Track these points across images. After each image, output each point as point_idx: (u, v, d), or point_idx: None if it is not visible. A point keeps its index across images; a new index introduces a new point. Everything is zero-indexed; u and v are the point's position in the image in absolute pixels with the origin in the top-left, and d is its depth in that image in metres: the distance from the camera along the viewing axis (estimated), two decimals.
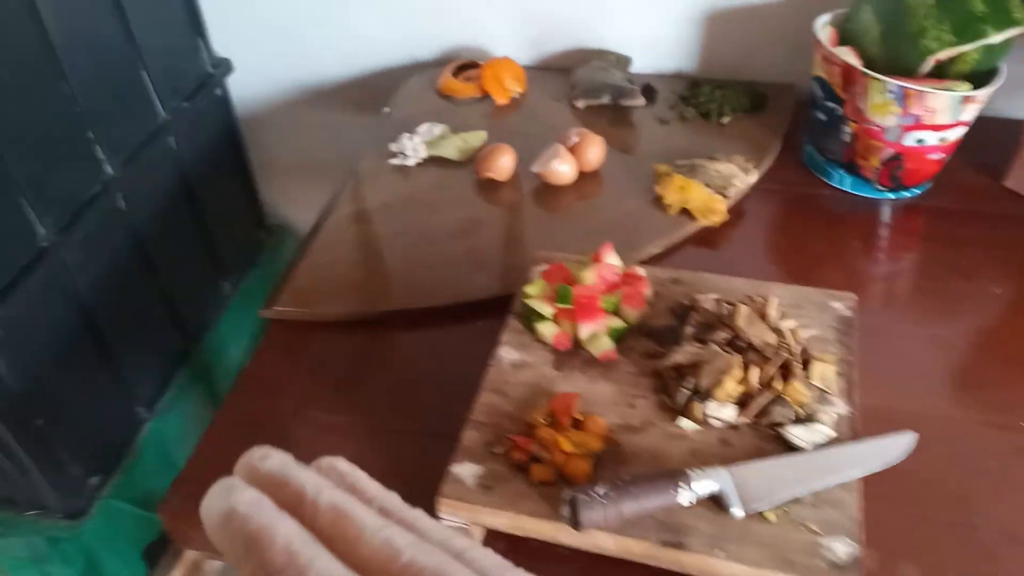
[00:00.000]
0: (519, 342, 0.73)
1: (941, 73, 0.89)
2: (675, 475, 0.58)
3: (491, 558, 0.25)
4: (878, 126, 0.91)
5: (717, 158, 1.00)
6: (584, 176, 1.01)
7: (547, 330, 0.72)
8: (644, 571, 0.60)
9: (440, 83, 1.20)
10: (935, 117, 0.87)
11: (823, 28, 0.96)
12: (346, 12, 1.30)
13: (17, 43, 0.95)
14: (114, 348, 1.14)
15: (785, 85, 1.16)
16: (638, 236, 0.92)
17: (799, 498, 0.59)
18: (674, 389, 0.66)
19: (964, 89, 0.86)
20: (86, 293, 1.08)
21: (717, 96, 1.11)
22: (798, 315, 0.72)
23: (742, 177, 0.97)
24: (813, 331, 0.71)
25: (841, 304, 0.74)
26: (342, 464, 0.28)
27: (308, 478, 0.26)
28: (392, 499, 0.27)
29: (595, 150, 1.00)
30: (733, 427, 0.64)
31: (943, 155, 0.94)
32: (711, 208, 0.93)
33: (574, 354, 0.72)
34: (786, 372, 0.65)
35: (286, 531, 0.24)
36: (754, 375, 0.63)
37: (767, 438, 0.64)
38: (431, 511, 0.61)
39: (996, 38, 0.86)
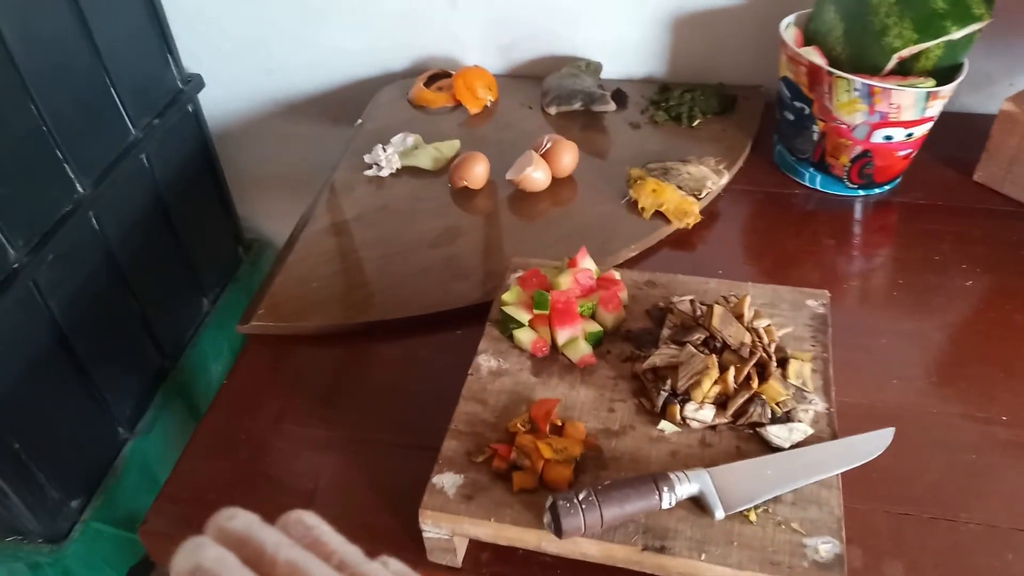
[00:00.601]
0: (497, 349, 0.73)
1: (905, 70, 0.91)
2: (656, 479, 0.58)
3: None
4: (846, 124, 0.92)
5: (689, 160, 1.01)
6: (558, 182, 1.02)
7: (525, 336, 0.72)
8: (628, 574, 0.60)
9: (412, 93, 1.20)
10: (901, 113, 0.89)
11: (788, 29, 0.97)
12: (316, 25, 1.30)
13: None
14: (91, 368, 1.13)
15: (753, 87, 1.17)
16: (613, 240, 0.93)
17: (780, 497, 0.59)
18: (652, 392, 0.66)
19: (928, 85, 0.88)
20: (60, 313, 1.07)
21: (687, 99, 1.12)
22: (773, 314, 0.73)
23: (714, 179, 0.98)
24: (788, 329, 0.71)
25: (815, 302, 0.75)
26: (308, 518, 0.31)
27: (270, 536, 0.29)
28: (352, 553, 0.30)
29: (568, 156, 1.01)
30: (712, 428, 0.65)
31: (911, 151, 0.95)
32: (685, 210, 0.94)
33: (552, 360, 0.72)
34: (762, 371, 0.65)
35: None
36: (731, 375, 0.64)
37: (746, 438, 0.64)
38: (414, 523, 0.61)
39: (957, 34, 0.87)
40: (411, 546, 0.65)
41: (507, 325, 0.74)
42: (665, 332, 0.71)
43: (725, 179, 1.00)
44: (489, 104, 1.18)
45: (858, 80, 0.87)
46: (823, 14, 0.94)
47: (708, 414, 0.64)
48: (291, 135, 1.44)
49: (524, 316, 0.73)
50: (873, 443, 0.63)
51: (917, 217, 0.97)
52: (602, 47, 1.23)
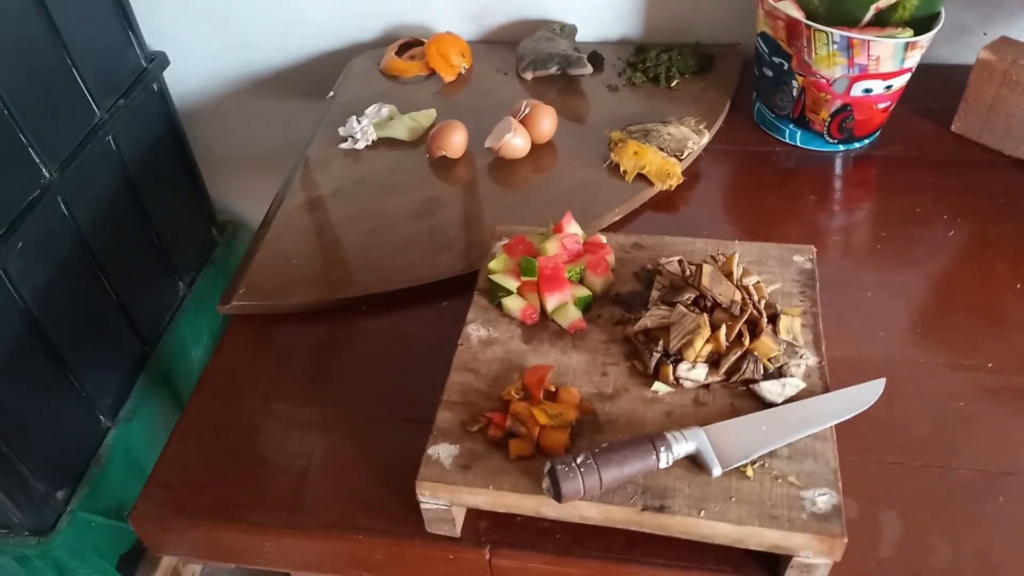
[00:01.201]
0: (486, 319, 0.72)
1: (882, 21, 0.90)
2: (653, 439, 0.58)
3: None
4: (825, 78, 0.91)
5: (669, 121, 1.00)
6: (538, 148, 1.01)
7: (513, 304, 0.71)
8: (628, 537, 0.61)
9: (384, 63, 1.17)
10: (880, 65, 0.88)
11: None
12: None
13: None
14: (68, 357, 1.11)
15: (731, 45, 1.16)
16: (597, 204, 0.92)
17: (775, 452, 0.59)
18: (645, 354, 0.66)
19: (907, 35, 0.87)
20: (33, 302, 1.04)
21: (664, 60, 1.11)
22: (761, 271, 0.73)
23: (695, 139, 0.97)
24: (777, 286, 0.71)
25: (802, 257, 0.75)
26: None
27: None
28: None
29: (547, 121, 0.99)
30: (706, 387, 0.65)
31: (890, 103, 0.95)
32: (667, 172, 0.93)
33: (542, 326, 0.71)
34: (753, 328, 0.65)
35: None
36: (722, 333, 0.64)
37: (740, 395, 0.64)
38: (411, 496, 0.61)
39: None
40: (409, 519, 0.65)
41: (495, 294, 0.73)
42: (655, 293, 0.70)
43: (706, 139, 0.99)
44: (464, 71, 1.16)
45: (837, 33, 0.86)
46: None
47: (701, 373, 0.64)
48: (262, 112, 1.41)
49: (512, 284, 0.72)
50: (865, 394, 0.64)
51: (897, 170, 0.97)
52: (575, 9, 1.21)
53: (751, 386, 0.63)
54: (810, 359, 0.66)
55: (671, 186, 0.94)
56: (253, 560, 0.73)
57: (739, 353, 0.64)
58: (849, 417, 0.62)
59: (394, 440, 0.72)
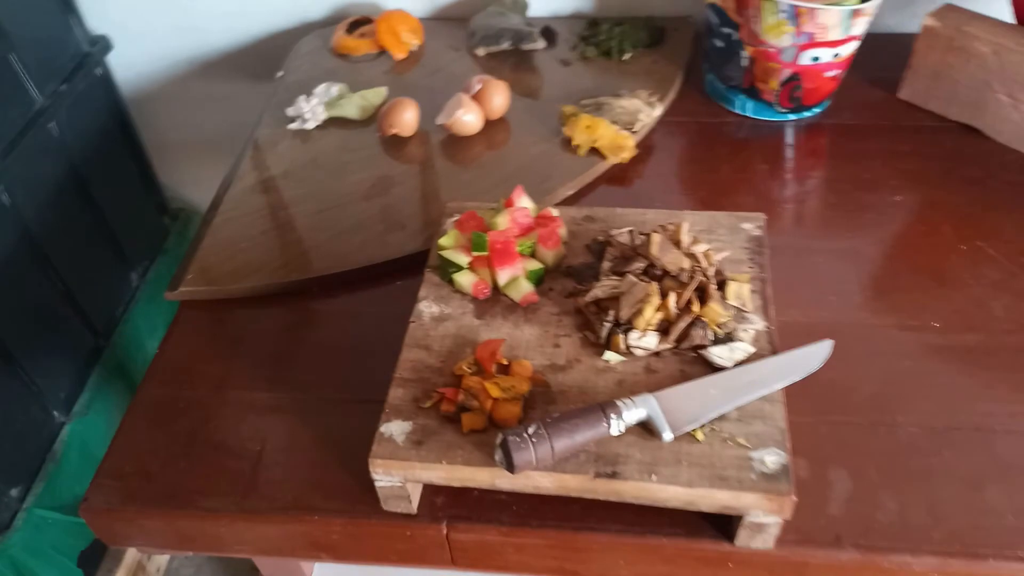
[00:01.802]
0: (438, 295, 0.72)
1: None
2: (604, 407, 0.58)
3: None
4: (774, 47, 0.91)
5: (622, 95, 1.00)
6: (491, 124, 1.00)
7: (465, 280, 0.71)
8: (584, 505, 0.61)
9: (334, 42, 1.16)
10: (827, 33, 0.89)
11: None
12: None
13: None
14: (17, 351, 1.08)
15: (682, 17, 1.16)
16: (551, 179, 0.92)
17: (725, 415, 0.60)
18: (596, 324, 0.66)
19: (853, 3, 0.88)
20: None
21: (616, 33, 1.11)
22: (711, 239, 0.73)
23: (647, 111, 0.97)
24: (726, 253, 0.71)
25: (751, 225, 0.75)
26: None
27: None
28: None
29: (499, 97, 0.99)
30: (657, 354, 0.65)
31: (838, 71, 0.95)
32: (620, 145, 0.93)
33: (495, 301, 0.71)
34: (702, 295, 0.65)
35: None
36: (672, 301, 0.64)
37: (690, 361, 0.64)
38: (366, 475, 0.60)
39: None
40: (365, 498, 0.64)
41: (446, 270, 0.72)
42: (606, 265, 0.70)
43: (658, 111, 0.99)
44: (415, 49, 1.14)
45: (784, 2, 0.87)
46: None
47: (651, 341, 0.64)
48: (211, 95, 1.38)
49: (463, 259, 0.71)
50: (813, 356, 0.64)
51: (846, 137, 0.98)
52: None
53: (701, 352, 0.64)
54: (759, 324, 0.66)
55: (624, 159, 0.94)
56: (210, 547, 0.72)
57: (688, 320, 0.64)
58: (797, 379, 0.63)
59: (349, 421, 0.71)
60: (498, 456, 0.57)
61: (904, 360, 0.73)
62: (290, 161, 0.98)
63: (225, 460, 0.70)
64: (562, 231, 0.74)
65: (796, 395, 0.63)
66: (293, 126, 1.02)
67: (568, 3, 1.21)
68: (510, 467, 0.56)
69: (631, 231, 0.71)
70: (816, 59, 0.91)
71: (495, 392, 0.61)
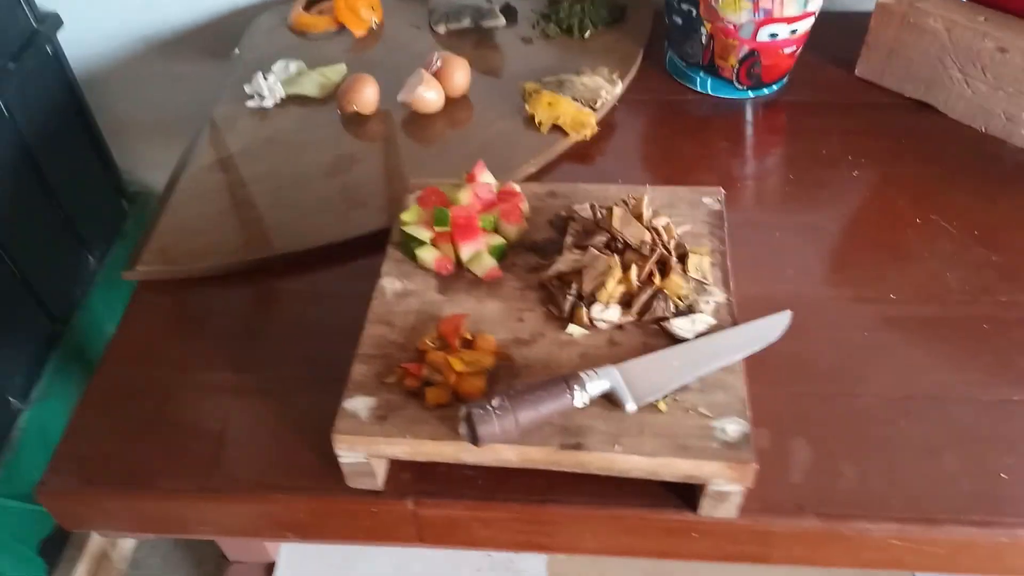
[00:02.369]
0: (401, 271, 0.71)
1: None
2: (567, 379, 0.58)
3: None
4: (732, 24, 0.92)
5: (583, 72, 1.00)
6: (453, 102, 0.99)
7: (428, 255, 0.71)
8: (549, 478, 0.61)
9: (292, 18, 1.14)
10: (784, 9, 0.89)
11: None
12: None
13: None
14: None
15: None
16: (513, 157, 0.92)
17: (687, 386, 0.61)
18: (559, 298, 0.66)
19: None
20: None
21: (577, 11, 1.10)
22: (672, 214, 0.73)
23: (609, 88, 0.98)
24: (687, 227, 0.72)
25: (711, 199, 0.76)
26: None
27: None
28: None
29: (460, 74, 0.98)
30: (619, 327, 0.65)
31: (795, 48, 0.96)
32: (581, 122, 0.93)
33: (458, 276, 0.71)
34: (664, 267, 0.66)
35: None
36: (633, 273, 0.64)
37: (653, 333, 0.65)
38: (331, 452, 0.60)
39: None
40: (330, 476, 0.64)
41: (409, 245, 0.72)
42: (568, 239, 0.71)
43: (619, 88, 0.99)
44: (375, 26, 1.13)
45: None
46: None
47: (614, 313, 0.65)
48: (167, 75, 1.35)
49: (425, 234, 0.71)
50: (772, 327, 0.66)
51: (805, 115, 0.99)
52: None
53: (663, 324, 0.65)
54: (719, 296, 0.67)
55: (586, 136, 0.94)
56: (173, 529, 0.72)
57: (650, 292, 0.64)
58: (758, 349, 0.64)
59: (313, 399, 0.70)
60: (463, 429, 0.57)
61: (862, 332, 0.74)
62: (248, 139, 0.96)
63: (186, 441, 0.69)
64: (524, 206, 0.74)
65: (757, 367, 0.64)
66: (251, 104, 1.00)
67: None
68: (475, 440, 0.56)
69: (593, 205, 0.71)
70: (774, 35, 0.92)
71: (459, 366, 0.61)
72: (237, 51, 1.11)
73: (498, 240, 0.72)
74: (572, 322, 0.65)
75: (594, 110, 0.95)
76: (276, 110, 1.00)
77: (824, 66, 1.06)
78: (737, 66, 0.97)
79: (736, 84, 0.99)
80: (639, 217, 0.68)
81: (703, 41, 0.96)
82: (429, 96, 0.96)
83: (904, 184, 0.88)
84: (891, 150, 0.93)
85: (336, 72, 1.03)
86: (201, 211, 0.87)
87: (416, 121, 0.98)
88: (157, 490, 0.66)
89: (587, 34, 1.09)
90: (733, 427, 0.58)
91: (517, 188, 0.75)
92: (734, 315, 0.66)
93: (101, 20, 1.30)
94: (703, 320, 0.64)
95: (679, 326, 0.64)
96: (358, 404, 0.61)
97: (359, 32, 1.12)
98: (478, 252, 0.70)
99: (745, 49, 0.94)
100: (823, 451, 0.65)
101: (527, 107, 0.96)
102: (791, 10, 0.90)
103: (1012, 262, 0.79)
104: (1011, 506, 0.61)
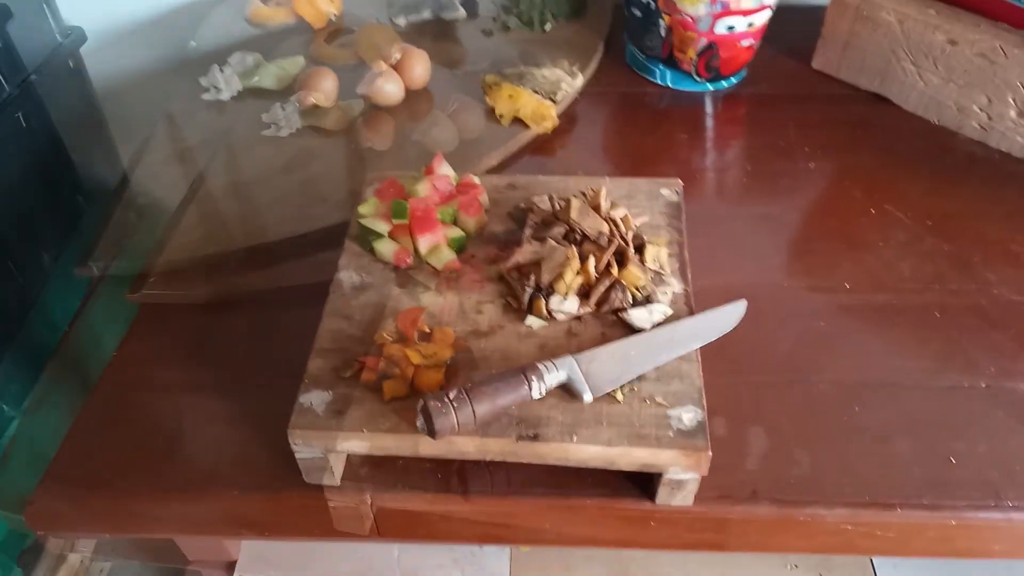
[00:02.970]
0: (359, 264, 0.71)
1: None
2: (525, 370, 0.58)
3: None
4: (690, 16, 0.93)
5: (543, 65, 1.00)
6: (413, 94, 0.99)
7: (385, 248, 0.70)
8: (508, 470, 0.61)
9: (249, 11, 1.12)
10: (741, 2, 0.90)
11: None
12: None
13: None
14: None
15: None
16: (474, 150, 0.91)
17: (644, 375, 0.61)
18: (518, 289, 0.66)
19: None
20: None
21: (538, 4, 1.10)
22: (630, 205, 0.74)
23: (569, 81, 0.98)
24: (645, 218, 0.72)
25: (669, 191, 0.76)
26: None
27: None
28: None
29: (420, 66, 0.97)
30: (577, 318, 0.65)
31: (753, 41, 0.97)
32: (542, 115, 0.93)
33: (417, 269, 0.70)
34: (621, 258, 0.66)
35: None
36: (591, 264, 0.64)
37: (610, 324, 0.65)
38: (288, 449, 0.59)
39: None
40: (286, 472, 0.63)
41: (366, 238, 0.71)
42: (527, 231, 0.71)
43: (580, 81, 1.00)
44: (333, 19, 1.12)
45: None
46: None
47: (572, 305, 0.65)
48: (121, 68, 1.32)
49: (383, 227, 0.70)
50: (728, 316, 0.66)
51: (763, 107, 1.00)
52: None
53: (620, 315, 0.65)
54: (676, 287, 0.67)
55: (547, 129, 0.94)
56: (128, 528, 0.70)
57: (608, 283, 0.65)
58: (713, 339, 0.64)
59: (270, 396, 0.69)
60: (420, 422, 0.57)
61: (817, 320, 0.75)
62: (204, 132, 0.95)
63: (141, 438, 0.68)
64: (483, 198, 0.74)
65: (714, 356, 0.65)
66: (207, 96, 0.99)
67: None
68: (432, 432, 0.56)
69: (551, 196, 0.71)
70: (731, 28, 0.93)
71: (416, 359, 0.61)
72: (193, 44, 1.10)
73: (457, 232, 0.71)
74: (531, 314, 0.65)
75: (555, 102, 0.95)
76: (233, 103, 0.99)
77: (782, 59, 1.07)
78: (696, 59, 0.97)
79: (695, 77, 1.00)
80: (597, 209, 0.68)
81: (662, 34, 0.97)
82: (388, 89, 0.95)
83: (859, 175, 0.90)
84: (847, 141, 0.94)
85: (294, 64, 1.01)
86: (156, 205, 0.86)
87: (376, 113, 0.97)
88: (111, 488, 0.65)
89: (547, 27, 1.09)
90: (689, 415, 0.58)
91: (476, 180, 0.75)
92: (691, 305, 0.66)
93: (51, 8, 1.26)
94: (660, 311, 0.65)
95: (637, 317, 0.64)
96: (314, 398, 0.60)
97: (317, 24, 1.10)
98: (437, 244, 0.70)
99: (703, 42, 0.95)
100: (779, 438, 0.66)
101: (487, 99, 0.95)
102: (748, 3, 0.91)
103: (963, 251, 0.80)
104: (959, 490, 0.62)
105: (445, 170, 0.75)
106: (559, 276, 0.64)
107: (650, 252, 0.67)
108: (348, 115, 0.96)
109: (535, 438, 0.58)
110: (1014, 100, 0.87)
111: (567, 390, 0.60)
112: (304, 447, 0.60)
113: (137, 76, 1.33)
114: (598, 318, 0.65)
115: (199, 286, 0.80)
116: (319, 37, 1.10)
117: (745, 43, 0.96)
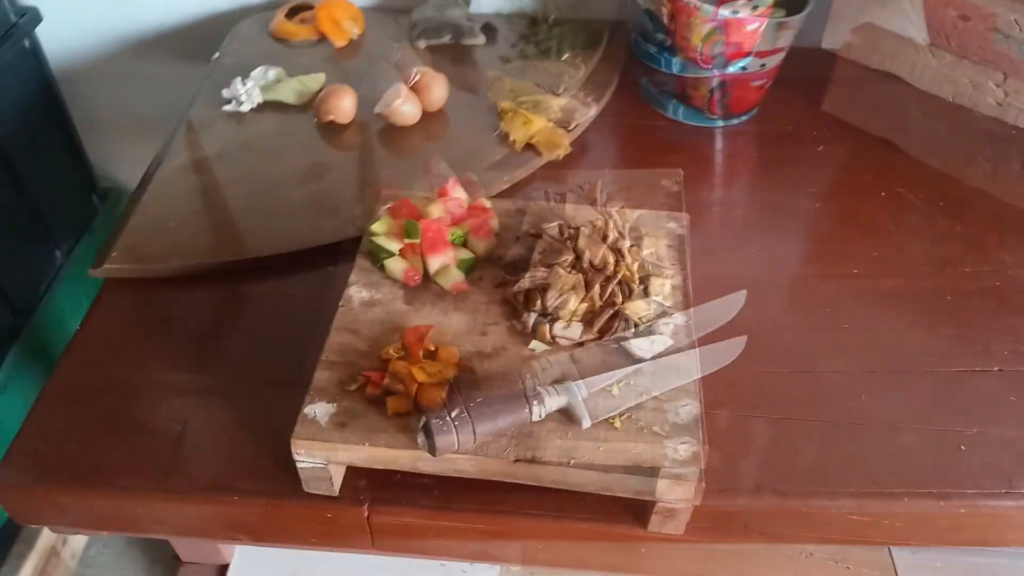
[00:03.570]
0: (368, 280, 0.72)
1: (759, 2, 0.94)
2: (526, 393, 0.60)
3: None
4: (703, 55, 0.95)
5: (558, 93, 1.02)
6: (429, 116, 1.01)
7: (396, 266, 0.72)
8: (504, 489, 0.62)
9: (273, 26, 1.15)
10: (754, 44, 0.92)
11: None
12: None
13: None
14: None
15: (621, 22, 1.18)
16: (486, 173, 0.93)
17: (643, 404, 0.62)
18: (523, 313, 0.68)
19: (779, 15, 0.92)
20: None
21: (555, 34, 1.13)
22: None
23: (583, 111, 1.00)
24: (650, 250, 0.74)
25: (675, 224, 0.78)
26: None
27: None
28: None
29: (438, 89, 1.00)
30: (580, 344, 0.67)
31: (765, 81, 0.99)
32: (555, 142, 0.95)
33: (425, 288, 0.72)
34: (626, 289, 0.68)
35: None
36: (596, 293, 0.66)
37: (612, 352, 0.66)
38: (290, 456, 0.61)
39: None
40: (286, 480, 0.64)
41: (377, 256, 0.73)
42: (535, 256, 0.72)
43: (593, 111, 1.02)
44: (355, 37, 1.14)
45: (713, 11, 0.90)
46: None
47: (576, 331, 0.66)
48: (145, 74, 1.35)
49: (394, 246, 0.72)
50: (728, 350, 0.67)
51: (772, 144, 1.02)
52: None
53: (622, 343, 0.66)
54: (679, 318, 0.69)
55: (559, 156, 0.96)
56: (127, 527, 0.72)
57: (611, 312, 0.66)
58: (712, 371, 0.65)
59: (274, 404, 0.71)
60: (421, 439, 0.58)
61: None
62: (223, 143, 0.97)
63: (144, 439, 0.69)
64: (494, 222, 0.76)
65: None
66: (228, 108, 1.01)
67: (511, 2, 1.22)
68: (432, 449, 0.57)
69: (560, 224, 0.73)
70: (744, 68, 0.95)
71: (421, 376, 0.62)
72: (217, 55, 1.12)
73: (466, 254, 0.73)
74: (535, 338, 0.67)
75: (568, 131, 0.97)
76: (253, 115, 1.01)
77: (794, 99, 1.07)
78: (708, 96, 0.99)
79: (706, 113, 1.02)
80: (605, 239, 0.70)
81: (676, 70, 0.99)
82: (406, 110, 0.97)
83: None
84: (851, 182, 0.95)
85: (315, 80, 1.04)
86: (172, 211, 0.87)
87: (392, 132, 0.99)
88: (112, 488, 0.66)
89: (564, 57, 1.11)
90: (684, 447, 0.59)
91: (488, 204, 0.77)
92: (692, 337, 0.68)
93: (81, 17, 1.29)
94: (662, 341, 0.66)
95: (638, 346, 0.65)
96: (318, 410, 0.62)
97: (339, 42, 1.13)
98: (446, 265, 0.72)
99: (716, 80, 0.97)
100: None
101: (502, 125, 0.98)
102: (760, 45, 0.93)
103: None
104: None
105: (458, 193, 0.77)
106: (564, 303, 0.66)
107: (655, 284, 0.69)
108: (364, 132, 0.98)
109: (533, 460, 0.59)
110: None
111: (566, 414, 0.61)
112: (306, 457, 0.61)
113: (94, 58, 1.35)
114: (600, 345, 0.67)
115: (207, 290, 0.81)
116: (288, 24, 1.12)
117: (757, 83, 0.98)
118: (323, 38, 1.14)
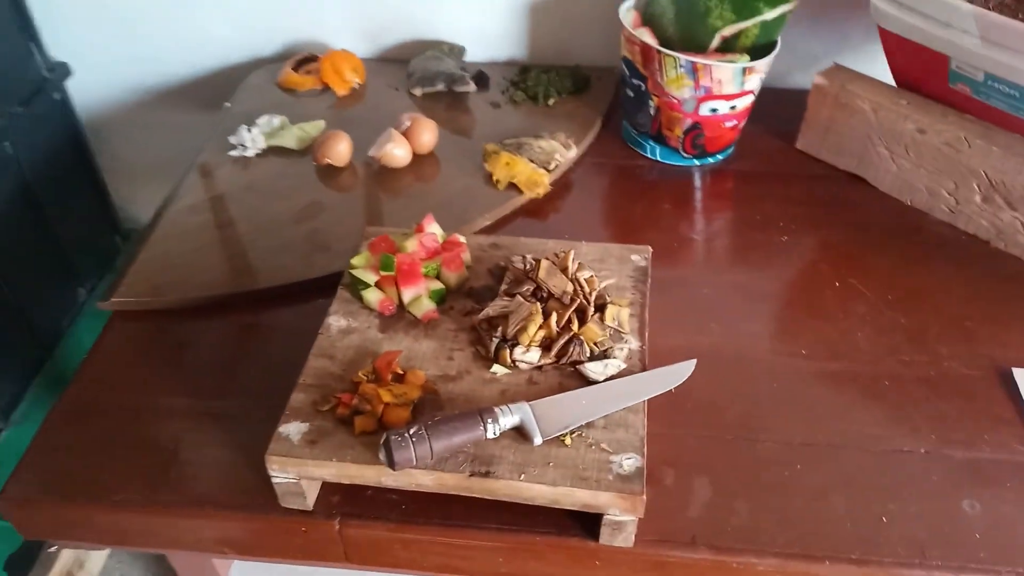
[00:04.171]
0: (347, 310, 0.78)
1: (728, 48, 1.00)
2: (482, 412, 0.64)
3: None
4: (676, 99, 1.00)
5: (541, 136, 1.08)
6: (420, 158, 1.07)
7: (372, 296, 0.77)
8: (466, 505, 0.67)
9: (281, 77, 1.23)
10: (723, 87, 0.97)
11: (627, 12, 1.05)
12: (188, 10, 1.31)
13: None
14: None
15: (606, 68, 1.25)
16: (471, 210, 0.99)
17: (593, 423, 0.66)
18: (486, 339, 0.72)
19: (744, 61, 0.97)
20: None
21: (543, 80, 1.19)
22: (601, 268, 0.80)
23: (563, 152, 1.05)
24: (611, 280, 0.78)
25: (638, 256, 0.83)
26: None
27: None
28: None
29: (428, 134, 1.06)
30: (539, 368, 0.71)
31: (736, 122, 1.04)
32: (535, 181, 1.01)
33: (399, 317, 0.77)
34: (582, 316, 0.72)
35: None
36: (553, 320, 0.71)
37: (569, 375, 0.71)
38: (268, 475, 0.66)
39: (770, 15, 0.96)
40: (266, 496, 0.69)
41: (356, 287, 0.79)
42: (502, 287, 0.77)
43: (573, 152, 1.07)
44: (357, 87, 1.22)
45: (682, 57, 0.96)
46: None
47: (534, 356, 0.71)
48: (166, 123, 1.44)
49: (371, 277, 0.78)
50: (675, 373, 0.71)
51: (746, 182, 1.07)
52: (466, 31, 1.28)
53: (578, 367, 0.71)
54: (633, 344, 0.73)
55: (539, 194, 1.01)
56: (122, 540, 0.77)
57: (567, 338, 0.71)
58: (659, 392, 0.69)
59: (263, 427, 0.75)
60: (382, 454, 0.63)
61: (772, 382, 0.80)
62: (228, 185, 1.04)
63: (141, 458, 0.75)
64: (466, 256, 0.81)
65: (670, 410, 0.71)
66: (234, 153, 1.08)
67: (503, 51, 1.30)
68: (391, 464, 0.62)
69: (524, 257, 0.78)
70: (715, 110, 1.00)
71: (387, 397, 0.67)
72: (228, 104, 1.20)
73: (438, 285, 0.78)
74: (496, 362, 0.72)
75: (548, 171, 1.03)
76: (257, 159, 1.08)
77: (769, 138, 1.13)
78: (682, 136, 1.04)
79: (682, 153, 1.07)
80: (565, 270, 0.75)
81: (652, 113, 1.05)
82: (397, 153, 1.04)
83: (829, 250, 0.95)
84: (822, 218, 1.00)
85: (315, 127, 1.11)
86: (177, 248, 0.94)
87: (384, 174, 1.06)
88: (108, 502, 0.72)
89: (551, 101, 1.18)
90: (629, 462, 0.63)
91: (461, 239, 0.82)
92: (644, 362, 0.72)
93: (108, 70, 1.39)
94: (615, 365, 0.70)
95: (592, 369, 0.70)
96: (292, 429, 0.67)
97: (342, 91, 1.20)
98: (418, 296, 0.77)
99: (689, 122, 1.02)
100: (721, 489, 0.70)
101: (487, 165, 1.04)
102: (729, 88, 0.98)
103: (919, 325, 0.85)
104: (887, 548, 0.66)
105: (434, 229, 0.82)
106: (523, 329, 0.71)
107: (610, 311, 0.73)
108: (358, 174, 1.04)
109: (487, 475, 0.63)
110: (978, 186, 0.93)
111: (521, 432, 0.66)
112: (280, 473, 0.66)
113: (119, 107, 1.44)
114: (558, 369, 0.71)
115: (206, 321, 0.87)
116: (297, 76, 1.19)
117: (728, 124, 1.03)
118: (327, 87, 1.21)
